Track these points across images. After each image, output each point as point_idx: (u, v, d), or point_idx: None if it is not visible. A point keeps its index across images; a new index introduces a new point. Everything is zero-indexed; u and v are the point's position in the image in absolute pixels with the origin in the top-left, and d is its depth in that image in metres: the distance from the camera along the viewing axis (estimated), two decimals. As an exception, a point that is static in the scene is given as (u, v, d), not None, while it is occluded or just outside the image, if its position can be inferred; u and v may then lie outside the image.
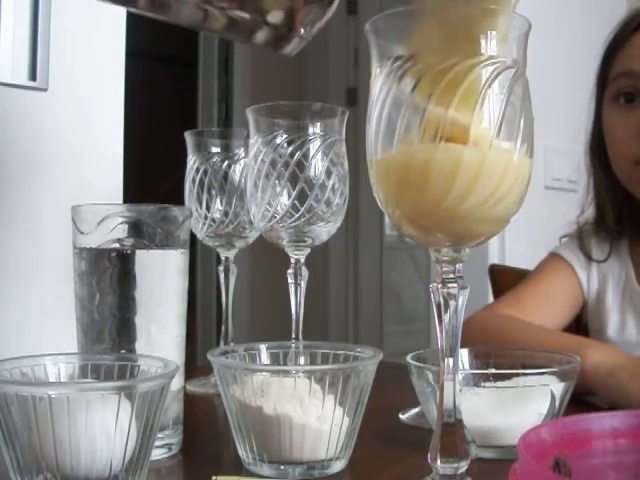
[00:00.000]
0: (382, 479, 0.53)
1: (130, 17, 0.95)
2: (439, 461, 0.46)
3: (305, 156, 0.65)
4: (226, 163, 0.80)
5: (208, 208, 0.80)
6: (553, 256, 1.04)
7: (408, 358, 0.60)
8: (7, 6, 0.81)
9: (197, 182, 0.80)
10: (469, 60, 0.43)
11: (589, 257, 1.02)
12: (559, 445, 0.40)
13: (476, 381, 0.59)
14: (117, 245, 0.56)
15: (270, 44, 0.49)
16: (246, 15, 0.47)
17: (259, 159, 0.66)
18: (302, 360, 0.60)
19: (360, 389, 0.53)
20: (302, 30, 0.48)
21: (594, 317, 1.03)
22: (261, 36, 0.48)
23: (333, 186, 0.66)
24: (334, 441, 0.53)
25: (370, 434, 0.57)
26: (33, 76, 0.84)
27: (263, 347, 0.60)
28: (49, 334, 0.83)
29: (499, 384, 0.58)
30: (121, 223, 0.56)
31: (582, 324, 1.06)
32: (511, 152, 0.43)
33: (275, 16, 0.47)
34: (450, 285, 0.46)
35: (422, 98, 0.43)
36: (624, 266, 1.02)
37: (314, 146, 0.65)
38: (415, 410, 0.67)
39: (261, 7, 0.47)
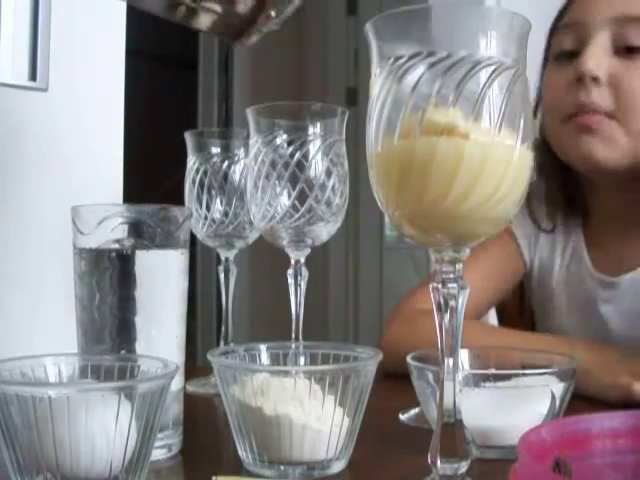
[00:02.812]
0: (382, 479, 0.53)
1: (130, 17, 0.95)
2: (439, 461, 0.46)
3: (305, 156, 0.65)
4: (226, 163, 0.80)
5: (208, 208, 0.80)
6: None
7: (408, 358, 0.60)
8: (7, 6, 0.81)
9: (197, 182, 0.80)
10: (469, 60, 0.43)
11: (537, 225, 0.95)
12: (559, 445, 0.40)
13: (476, 381, 0.59)
14: (117, 245, 0.56)
15: (235, 38, 0.50)
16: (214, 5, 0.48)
17: (259, 159, 0.66)
18: (302, 360, 0.60)
19: (360, 389, 0.53)
20: (263, 22, 0.48)
21: (537, 298, 0.98)
22: (230, 31, 0.49)
23: (333, 186, 0.66)
24: (334, 441, 0.53)
25: (370, 434, 0.57)
26: (33, 76, 0.84)
27: (263, 347, 0.60)
28: (49, 334, 0.83)
29: (499, 384, 0.58)
30: (121, 223, 0.56)
31: (526, 300, 1.02)
32: (512, 150, 0.43)
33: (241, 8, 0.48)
34: (450, 285, 0.46)
35: (422, 98, 0.43)
36: (575, 245, 0.94)
37: (314, 146, 0.65)
38: (415, 410, 0.67)
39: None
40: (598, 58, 0.82)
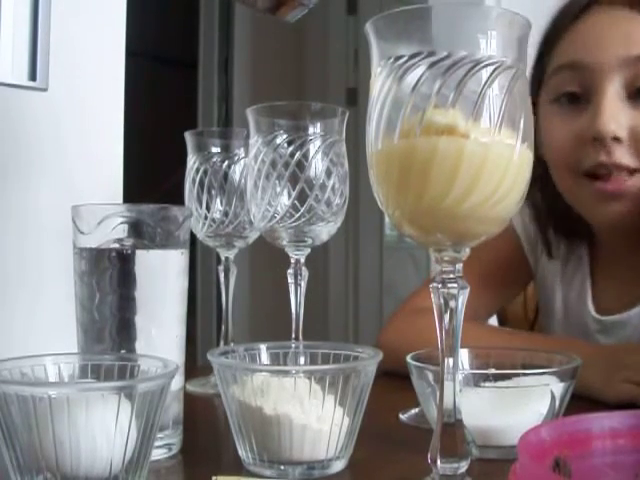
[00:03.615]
0: (382, 479, 0.53)
1: (130, 17, 0.95)
2: (439, 461, 0.46)
3: (305, 156, 0.65)
4: (226, 163, 0.80)
5: (208, 208, 0.80)
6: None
7: (408, 358, 0.60)
8: (7, 6, 0.81)
9: (197, 182, 0.80)
10: (469, 60, 0.43)
11: (548, 250, 0.91)
12: (559, 445, 0.40)
13: (476, 381, 0.59)
14: (117, 245, 0.56)
15: (271, 9, 0.49)
16: None
17: (259, 159, 0.66)
18: (302, 360, 0.60)
19: (360, 389, 0.53)
20: None
21: (543, 310, 0.96)
22: (263, 1, 0.49)
23: (333, 186, 0.66)
24: (334, 441, 0.53)
25: (370, 434, 0.57)
26: (33, 76, 0.84)
27: (263, 347, 0.60)
28: (49, 334, 0.83)
29: (499, 384, 0.58)
30: (121, 223, 0.56)
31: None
32: (512, 149, 0.43)
33: None
34: (450, 285, 0.46)
35: (422, 98, 0.43)
36: (580, 278, 0.90)
37: (314, 146, 0.65)
38: (415, 410, 0.67)
39: None
40: (616, 114, 0.75)
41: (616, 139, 0.76)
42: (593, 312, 0.89)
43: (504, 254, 0.94)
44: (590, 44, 0.78)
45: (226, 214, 0.80)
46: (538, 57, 0.85)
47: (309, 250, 0.68)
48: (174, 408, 0.58)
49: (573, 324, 0.91)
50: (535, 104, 0.83)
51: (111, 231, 0.56)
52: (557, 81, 0.81)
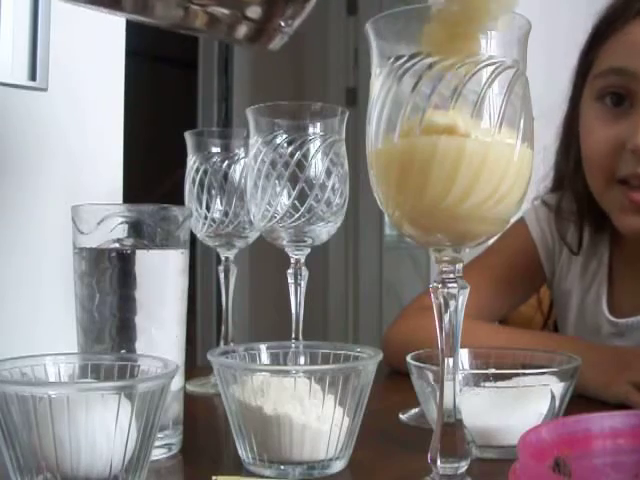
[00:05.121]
0: (382, 479, 0.53)
1: (130, 17, 0.95)
2: (439, 461, 0.46)
3: (305, 156, 0.65)
4: (226, 163, 0.80)
5: (208, 208, 0.80)
6: (518, 224, 0.93)
7: (408, 358, 0.60)
8: (7, 6, 0.81)
9: (197, 182, 0.80)
10: (469, 60, 0.43)
11: (568, 246, 0.90)
12: (559, 445, 0.40)
13: (476, 381, 0.59)
14: (117, 245, 0.56)
15: (251, 39, 0.50)
16: (225, 10, 0.47)
17: (259, 159, 0.66)
18: (302, 360, 0.60)
19: (360, 389, 0.53)
20: (282, 23, 0.48)
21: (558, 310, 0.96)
22: (241, 31, 0.49)
23: (333, 186, 0.66)
24: (334, 441, 0.53)
25: (370, 434, 0.57)
26: (33, 76, 0.84)
27: (263, 347, 0.60)
28: (49, 334, 0.83)
29: (499, 384, 0.58)
30: (121, 223, 0.56)
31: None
32: (512, 149, 0.43)
33: (254, 11, 0.48)
34: (450, 285, 0.46)
35: (422, 98, 0.43)
36: (598, 282, 0.90)
37: (314, 146, 0.65)
38: (415, 410, 0.67)
39: (240, 1, 0.48)
40: None
41: None
42: (607, 314, 0.88)
43: (519, 260, 0.94)
44: (635, 52, 0.78)
45: (226, 214, 0.80)
46: (585, 51, 0.84)
47: (309, 250, 0.68)
48: (174, 408, 0.58)
49: (588, 327, 0.91)
50: (577, 98, 0.85)
51: (111, 231, 0.56)
52: (603, 83, 0.81)
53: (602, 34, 0.82)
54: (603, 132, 0.80)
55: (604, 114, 0.80)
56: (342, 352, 0.58)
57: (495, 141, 0.43)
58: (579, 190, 0.88)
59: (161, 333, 0.57)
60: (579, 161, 0.85)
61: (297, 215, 0.65)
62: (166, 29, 0.51)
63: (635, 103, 0.78)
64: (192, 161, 0.82)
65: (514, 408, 0.56)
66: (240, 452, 0.54)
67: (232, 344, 0.81)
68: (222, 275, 0.83)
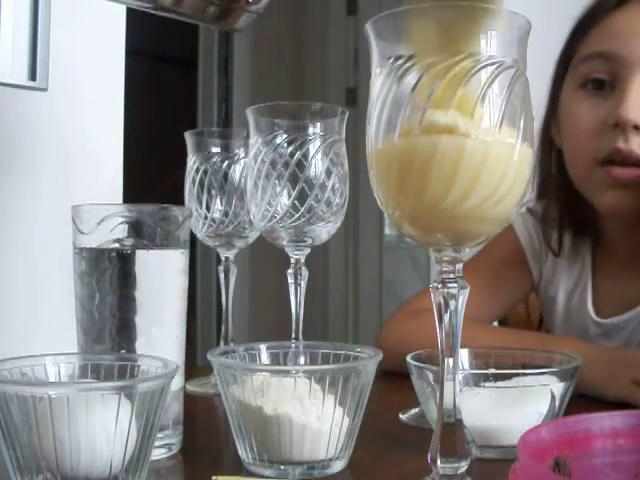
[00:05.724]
0: (382, 479, 0.53)
1: (130, 17, 0.95)
2: (439, 461, 0.46)
3: (305, 156, 0.65)
4: (226, 163, 0.80)
5: (208, 208, 0.80)
6: (507, 231, 0.93)
7: (408, 358, 0.60)
8: (7, 6, 0.81)
9: (197, 182, 0.80)
10: (469, 60, 0.43)
11: (551, 249, 0.92)
12: (559, 445, 0.40)
13: (476, 381, 0.59)
14: (117, 245, 0.56)
15: (218, 18, 0.50)
16: None
17: (259, 159, 0.66)
18: (302, 360, 0.60)
19: (360, 389, 0.53)
20: (249, 1, 0.48)
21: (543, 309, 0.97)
22: (211, 11, 0.49)
23: (333, 186, 0.66)
24: (334, 441, 0.53)
25: (370, 434, 0.57)
26: (33, 76, 0.84)
27: (263, 347, 0.60)
28: (49, 334, 0.83)
29: (499, 384, 0.58)
30: (121, 223, 0.56)
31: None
32: (512, 149, 0.43)
33: None
34: (450, 285, 0.46)
35: (422, 98, 0.43)
36: (582, 285, 0.91)
37: (314, 146, 0.65)
38: (415, 410, 0.67)
39: None
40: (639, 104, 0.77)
41: (636, 128, 0.77)
42: (593, 315, 0.89)
43: (507, 263, 0.95)
44: (622, 36, 0.80)
45: (226, 214, 0.80)
46: (567, 44, 0.86)
47: (309, 250, 0.68)
48: (174, 408, 0.58)
49: (575, 329, 0.91)
50: (558, 90, 0.86)
51: (111, 231, 0.56)
52: (586, 68, 0.82)
53: (584, 27, 0.84)
54: (586, 114, 0.82)
55: (586, 98, 0.82)
56: (342, 352, 0.58)
57: (495, 141, 0.43)
58: (561, 193, 0.89)
59: (161, 333, 0.57)
60: (561, 162, 0.86)
61: (297, 215, 0.65)
62: (137, 8, 0.51)
63: (617, 85, 0.79)
64: (192, 161, 0.82)
65: (514, 408, 0.56)
66: (240, 452, 0.54)
67: (232, 344, 0.81)
68: (222, 275, 0.83)
